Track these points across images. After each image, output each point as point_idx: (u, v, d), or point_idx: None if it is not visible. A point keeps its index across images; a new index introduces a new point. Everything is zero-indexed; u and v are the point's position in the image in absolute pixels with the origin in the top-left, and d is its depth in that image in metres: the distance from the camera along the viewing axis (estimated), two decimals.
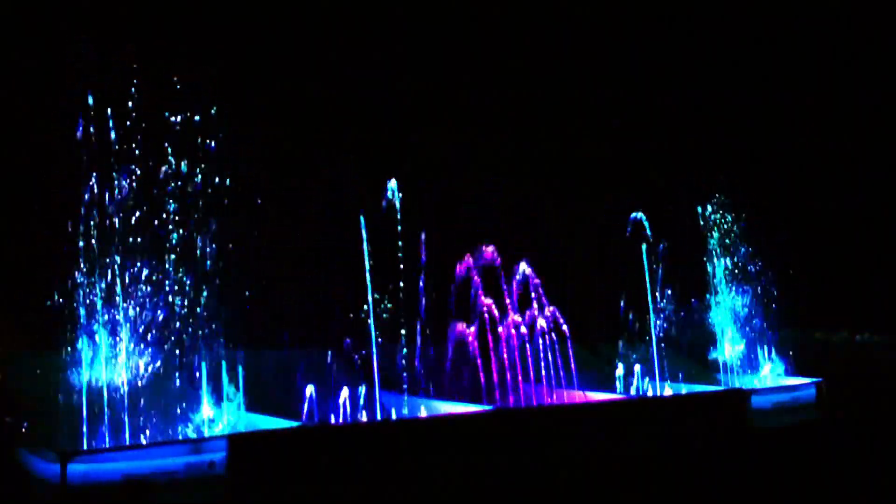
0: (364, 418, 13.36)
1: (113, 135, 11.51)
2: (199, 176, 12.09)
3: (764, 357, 19.14)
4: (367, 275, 13.74)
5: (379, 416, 13.42)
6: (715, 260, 19.43)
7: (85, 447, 10.64)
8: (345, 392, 13.19)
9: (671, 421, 14.62)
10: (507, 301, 15.87)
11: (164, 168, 11.87)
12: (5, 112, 14.26)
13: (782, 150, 27.41)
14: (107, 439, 10.89)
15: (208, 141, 12.20)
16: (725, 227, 19.59)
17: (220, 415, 11.84)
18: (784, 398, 16.98)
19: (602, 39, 25.70)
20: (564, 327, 16.19)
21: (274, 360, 13.68)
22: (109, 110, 11.50)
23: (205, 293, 12.01)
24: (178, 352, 11.84)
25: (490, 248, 15.71)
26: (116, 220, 11.45)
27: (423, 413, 14.01)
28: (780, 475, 11.11)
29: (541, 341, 16.08)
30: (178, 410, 11.62)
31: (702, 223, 19.59)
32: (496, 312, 15.72)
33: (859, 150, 27.36)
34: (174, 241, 11.89)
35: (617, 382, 17.02)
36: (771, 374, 18.71)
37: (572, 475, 11.20)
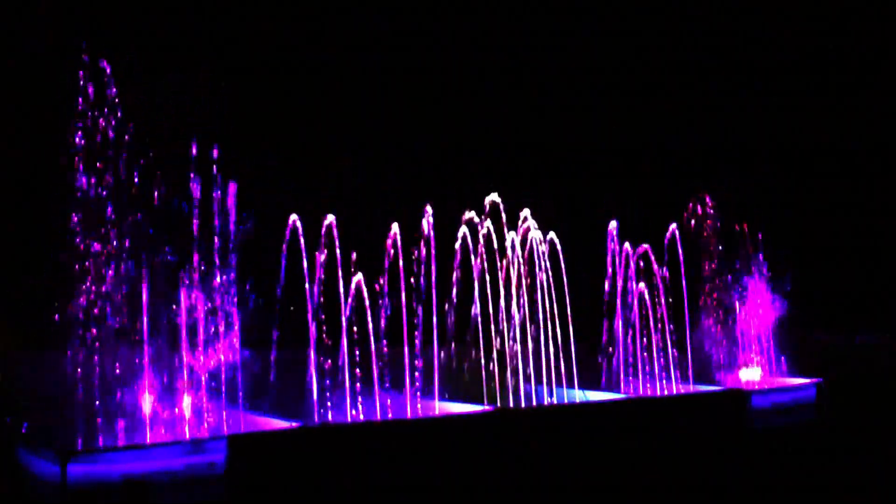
0: (364, 418, 13.35)
1: (112, 135, 11.51)
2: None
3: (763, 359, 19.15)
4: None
5: (379, 417, 13.42)
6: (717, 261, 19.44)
7: (85, 447, 10.64)
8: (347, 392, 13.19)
9: (671, 421, 14.63)
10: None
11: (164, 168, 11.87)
12: (5, 114, 14.28)
13: (782, 150, 27.43)
14: (107, 439, 10.89)
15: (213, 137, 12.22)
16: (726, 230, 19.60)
17: (220, 414, 11.85)
18: (784, 398, 16.99)
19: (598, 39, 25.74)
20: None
21: (275, 359, 13.65)
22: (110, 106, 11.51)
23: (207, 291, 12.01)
24: (179, 351, 11.83)
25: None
26: (116, 221, 11.45)
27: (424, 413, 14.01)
28: (780, 475, 11.11)
29: (542, 341, 16.09)
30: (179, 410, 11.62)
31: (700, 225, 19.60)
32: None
33: (859, 149, 27.37)
34: (174, 242, 11.89)
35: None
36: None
37: (572, 475, 11.20)
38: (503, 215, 16.07)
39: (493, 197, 16.03)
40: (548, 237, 16.53)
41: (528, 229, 16.40)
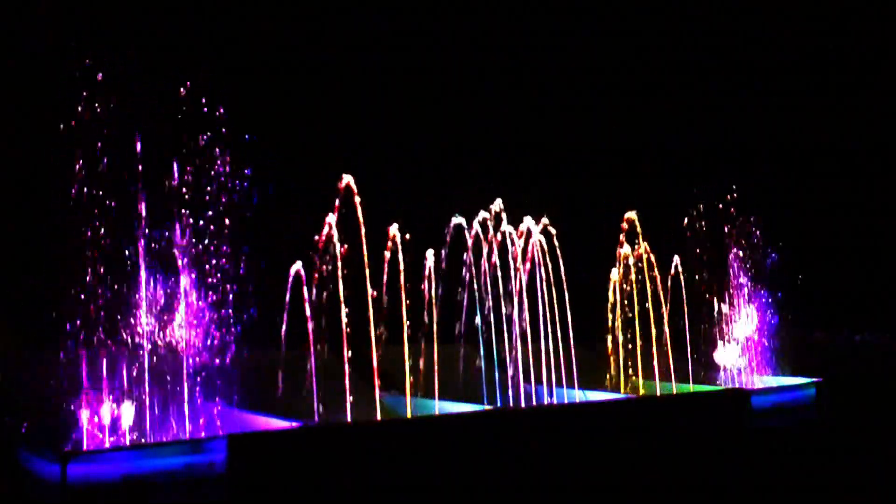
0: (364, 418, 13.34)
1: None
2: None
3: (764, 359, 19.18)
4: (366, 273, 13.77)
5: (379, 417, 13.42)
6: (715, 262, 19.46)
7: (85, 447, 10.64)
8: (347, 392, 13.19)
9: (671, 421, 14.63)
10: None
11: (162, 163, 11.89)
12: (5, 112, 14.28)
13: (782, 150, 27.43)
14: (107, 439, 10.89)
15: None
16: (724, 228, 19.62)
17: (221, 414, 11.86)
18: (784, 398, 16.99)
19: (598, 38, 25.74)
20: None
21: (275, 359, 13.65)
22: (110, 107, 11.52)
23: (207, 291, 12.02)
24: (179, 350, 11.84)
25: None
26: (115, 220, 11.47)
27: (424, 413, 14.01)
28: (779, 475, 11.11)
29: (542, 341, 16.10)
30: (179, 410, 11.63)
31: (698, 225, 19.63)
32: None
33: (859, 149, 27.38)
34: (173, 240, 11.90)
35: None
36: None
37: (572, 475, 11.20)
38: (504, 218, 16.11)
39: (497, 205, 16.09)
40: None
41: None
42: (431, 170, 21.54)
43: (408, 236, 14.31)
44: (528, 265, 16.21)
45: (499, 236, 15.90)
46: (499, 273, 15.84)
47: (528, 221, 16.51)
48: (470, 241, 15.53)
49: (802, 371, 18.70)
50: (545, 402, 15.82)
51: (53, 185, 11.51)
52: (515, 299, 16.02)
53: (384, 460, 11.36)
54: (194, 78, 12.30)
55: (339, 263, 13.48)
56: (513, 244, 16.07)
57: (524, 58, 24.90)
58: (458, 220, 15.56)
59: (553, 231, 16.60)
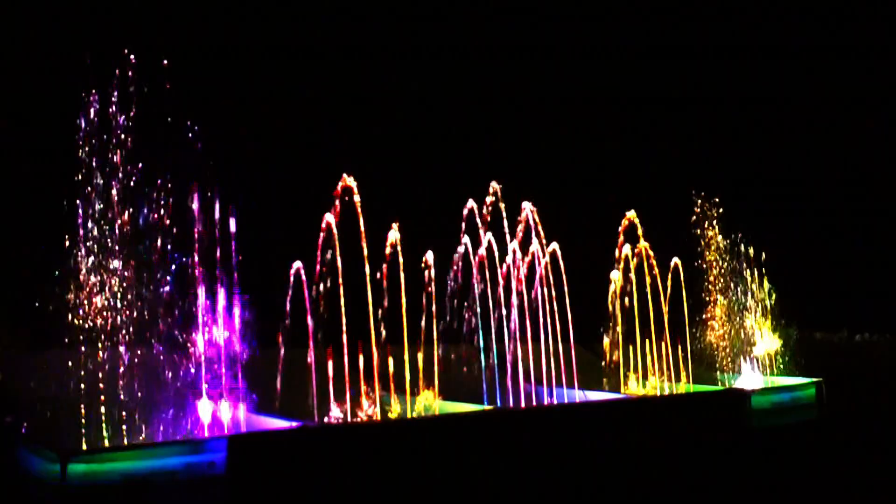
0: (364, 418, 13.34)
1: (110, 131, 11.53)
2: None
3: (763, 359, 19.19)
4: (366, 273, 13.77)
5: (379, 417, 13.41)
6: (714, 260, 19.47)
7: (85, 447, 10.64)
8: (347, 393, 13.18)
9: (671, 421, 14.62)
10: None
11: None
12: (4, 113, 14.29)
13: (782, 150, 27.44)
14: (107, 439, 10.89)
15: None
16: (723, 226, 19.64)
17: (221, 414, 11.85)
18: (784, 398, 16.99)
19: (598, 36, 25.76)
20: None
21: (275, 359, 13.65)
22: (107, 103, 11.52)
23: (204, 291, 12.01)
24: (179, 349, 11.84)
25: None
26: (114, 219, 11.47)
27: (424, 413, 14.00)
28: (780, 475, 11.11)
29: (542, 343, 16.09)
30: (179, 410, 11.62)
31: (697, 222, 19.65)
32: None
33: (859, 149, 27.39)
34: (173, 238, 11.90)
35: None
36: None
37: (572, 475, 11.20)
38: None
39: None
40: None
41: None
42: (431, 170, 21.53)
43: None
44: (518, 235, 16.20)
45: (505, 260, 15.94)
46: (498, 273, 15.84)
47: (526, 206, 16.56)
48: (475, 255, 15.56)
49: (802, 371, 18.70)
50: (545, 402, 15.81)
51: (53, 185, 11.52)
52: (515, 299, 16.01)
53: (384, 460, 11.36)
54: (194, 77, 12.29)
55: (339, 263, 13.48)
56: (515, 262, 16.09)
57: (524, 57, 24.92)
58: (463, 245, 15.63)
59: (558, 250, 16.62)
